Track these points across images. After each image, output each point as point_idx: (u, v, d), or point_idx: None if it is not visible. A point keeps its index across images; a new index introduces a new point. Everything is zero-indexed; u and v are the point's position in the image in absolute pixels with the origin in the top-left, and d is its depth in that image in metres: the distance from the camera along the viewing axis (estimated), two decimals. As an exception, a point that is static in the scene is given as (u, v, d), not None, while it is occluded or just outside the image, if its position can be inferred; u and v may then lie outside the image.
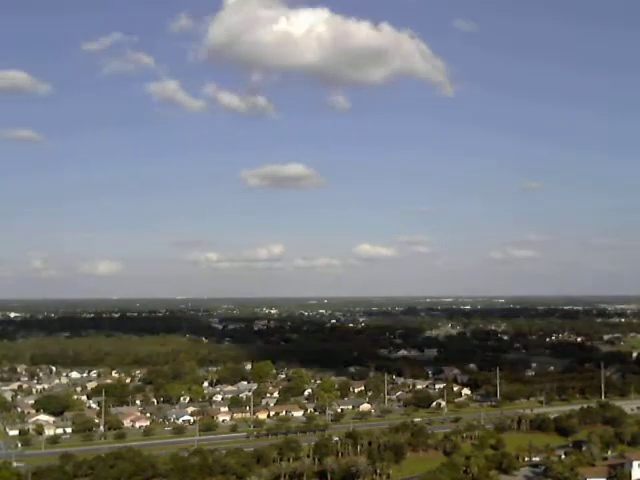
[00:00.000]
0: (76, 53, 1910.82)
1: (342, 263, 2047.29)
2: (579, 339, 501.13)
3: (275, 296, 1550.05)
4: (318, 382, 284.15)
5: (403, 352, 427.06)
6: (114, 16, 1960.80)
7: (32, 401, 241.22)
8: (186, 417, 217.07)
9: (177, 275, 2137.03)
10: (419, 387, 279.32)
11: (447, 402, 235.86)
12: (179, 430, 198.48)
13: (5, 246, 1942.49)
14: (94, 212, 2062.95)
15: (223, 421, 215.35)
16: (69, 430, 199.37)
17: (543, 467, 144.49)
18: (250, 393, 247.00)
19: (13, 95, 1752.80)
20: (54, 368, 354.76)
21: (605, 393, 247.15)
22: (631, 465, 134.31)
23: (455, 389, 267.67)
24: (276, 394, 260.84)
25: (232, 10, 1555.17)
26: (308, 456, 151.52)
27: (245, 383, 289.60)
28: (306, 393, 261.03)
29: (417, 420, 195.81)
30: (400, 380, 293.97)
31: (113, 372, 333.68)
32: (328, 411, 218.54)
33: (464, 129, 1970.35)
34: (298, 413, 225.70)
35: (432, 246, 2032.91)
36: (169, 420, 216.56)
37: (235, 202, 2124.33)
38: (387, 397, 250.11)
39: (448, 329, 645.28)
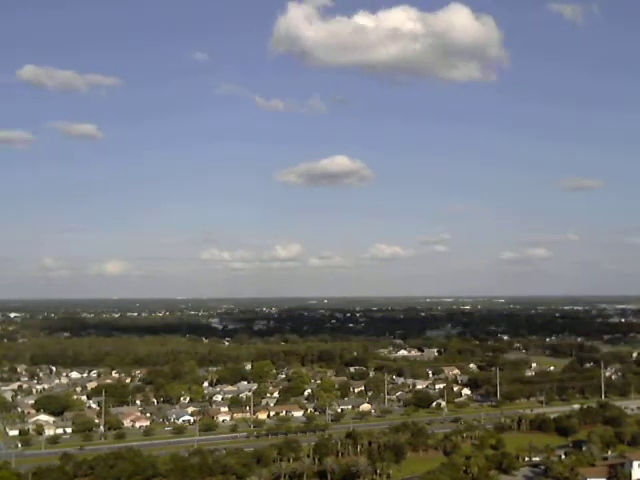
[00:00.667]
0: (140, 49, 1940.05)
1: (355, 263, 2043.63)
2: (579, 339, 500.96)
3: (278, 296, 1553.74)
4: (318, 382, 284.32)
5: (403, 352, 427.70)
6: (176, 14, 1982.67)
7: (32, 401, 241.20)
8: (186, 417, 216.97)
9: (189, 274, 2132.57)
10: (419, 387, 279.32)
11: (447, 402, 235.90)
12: (179, 430, 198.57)
13: (6, 245, 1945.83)
14: (97, 209, 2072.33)
15: (223, 421, 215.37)
16: (69, 430, 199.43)
17: (543, 467, 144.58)
18: (250, 393, 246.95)
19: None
20: (54, 368, 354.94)
21: (605, 393, 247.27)
22: (631, 465, 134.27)
23: (455, 389, 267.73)
24: (276, 394, 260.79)
25: (297, 7, 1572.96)
26: (308, 456, 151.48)
27: (245, 383, 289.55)
28: (306, 393, 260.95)
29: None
30: (400, 380, 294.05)
31: (113, 372, 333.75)
32: (328, 411, 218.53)
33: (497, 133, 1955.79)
34: (298, 413, 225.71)
35: (448, 246, 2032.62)
36: (169, 420, 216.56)
37: (266, 200, 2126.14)
38: (387, 397, 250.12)
39: (448, 329, 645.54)
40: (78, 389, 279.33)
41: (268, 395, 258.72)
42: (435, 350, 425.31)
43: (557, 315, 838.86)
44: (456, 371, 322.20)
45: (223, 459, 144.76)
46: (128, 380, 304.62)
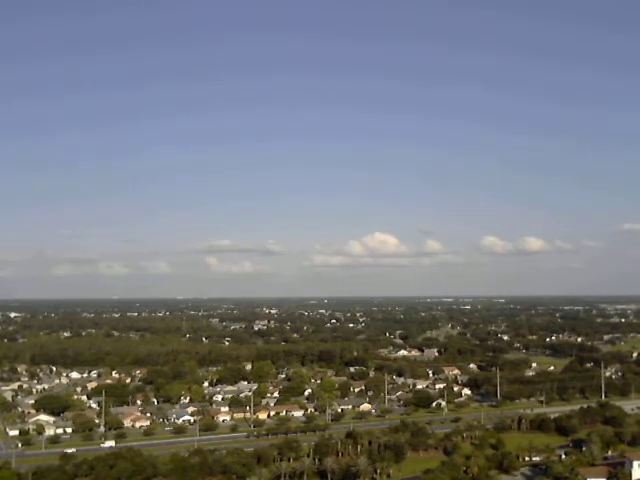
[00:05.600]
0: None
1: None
2: (579, 339, 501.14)
3: (277, 296, 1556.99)
4: (318, 382, 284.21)
5: (403, 352, 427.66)
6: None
7: (32, 401, 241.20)
8: (186, 417, 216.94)
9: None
10: (419, 387, 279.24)
11: (447, 402, 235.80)
12: (179, 430, 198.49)
13: (7, 245, 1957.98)
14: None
15: (223, 421, 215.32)
16: (69, 430, 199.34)
17: (543, 467, 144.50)
18: (250, 393, 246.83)
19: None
20: (54, 368, 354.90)
21: (605, 393, 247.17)
22: (631, 465, 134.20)
23: (455, 389, 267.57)
24: (276, 394, 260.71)
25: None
26: (308, 456, 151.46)
27: (245, 383, 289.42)
28: (306, 393, 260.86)
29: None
30: (400, 380, 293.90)
31: (113, 372, 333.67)
32: (328, 411, 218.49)
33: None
34: (298, 413, 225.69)
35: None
36: (169, 420, 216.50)
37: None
38: (387, 397, 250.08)
39: (448, 329, 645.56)
40: (78, 389, 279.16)
41: (268, 395, 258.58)
42: (435, 350, 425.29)
43: (557, 315, 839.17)
44: (456, 371, 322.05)
45: (223, 459, 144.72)
46: (128, 380, 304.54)
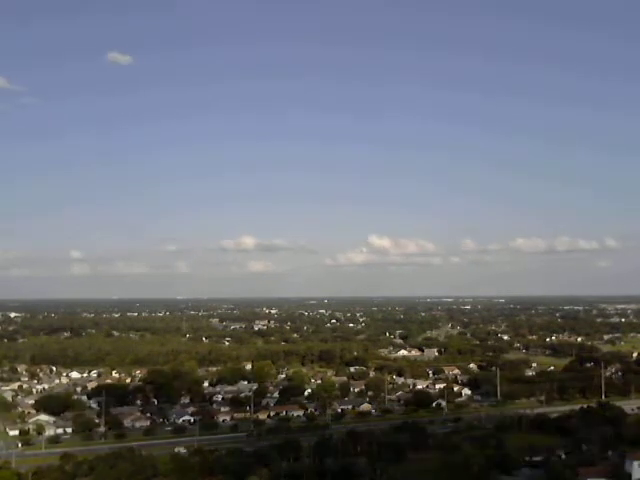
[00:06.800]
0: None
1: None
2: (579, 339, 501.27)
3: (277, 296, 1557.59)
4: (318, 382, 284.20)
5: (403, 352, 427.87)
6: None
7: (32, 401, 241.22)
8: (186, 417, 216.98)
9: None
10: (419, 387, 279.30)
11: (447, 402, 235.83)
12: (179, 430, 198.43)
13: (8, 245, 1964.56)
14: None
15: (223, 421, 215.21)
16: (69, 430, 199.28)
17: (543, 467, 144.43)
18: (250, 393, 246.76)
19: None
20: (54, 368, 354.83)
21: (605, 393, 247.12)
22: (631, 465, 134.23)
23: (455, 389, 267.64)
24: (276, 394, 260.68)
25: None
26: (308, 456, 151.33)
27: (245, 383, 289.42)
28: (306, 393, 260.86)
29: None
30: (400, 380, 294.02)
31: (113, 372, 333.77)
32: (328, 411, 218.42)
33: None
34: (298, 413, 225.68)
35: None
36: (169, 420, 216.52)
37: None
38: (387, 397, 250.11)
39: (448, 329, 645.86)
40: (78, 389, 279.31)
41: (268, 395, 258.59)
42: (435, 350, 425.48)
43: (557, 315, 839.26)
44: (456, 371, 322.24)
45: (223, 459, 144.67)
46: (128, 380, 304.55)
